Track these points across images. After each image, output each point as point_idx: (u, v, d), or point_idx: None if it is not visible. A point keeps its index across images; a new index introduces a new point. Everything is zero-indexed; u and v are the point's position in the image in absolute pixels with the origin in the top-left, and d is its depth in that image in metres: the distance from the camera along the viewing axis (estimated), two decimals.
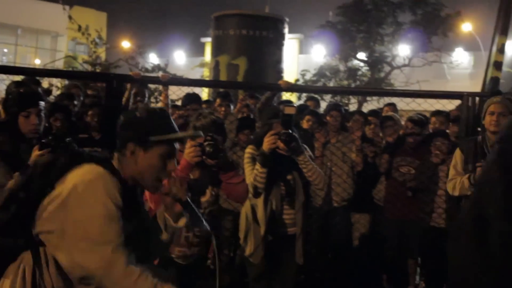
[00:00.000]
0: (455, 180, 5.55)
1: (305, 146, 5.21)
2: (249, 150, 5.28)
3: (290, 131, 4.90)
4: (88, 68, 19.63)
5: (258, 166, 4.99)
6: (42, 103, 4.62)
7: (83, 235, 2.47)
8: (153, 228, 2.92)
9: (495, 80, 7.05)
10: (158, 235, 2.92)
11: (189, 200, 2.82)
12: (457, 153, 5.68)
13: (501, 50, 7.15)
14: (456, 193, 5.53)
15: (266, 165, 4.95)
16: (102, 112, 7.01)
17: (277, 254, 5.23)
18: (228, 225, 6.69)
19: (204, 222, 2.96)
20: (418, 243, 7.20)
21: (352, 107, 21.01)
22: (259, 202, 5.12)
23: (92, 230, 2.47)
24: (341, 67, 25.40)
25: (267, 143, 4.89)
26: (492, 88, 6.95)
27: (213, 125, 4.51)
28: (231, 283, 6.70)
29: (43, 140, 4.37)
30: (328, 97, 16.86)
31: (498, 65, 7.12)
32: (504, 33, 7.17)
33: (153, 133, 2.71)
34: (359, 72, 25.14)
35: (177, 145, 2.82)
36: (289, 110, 4.96)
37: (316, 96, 9.56)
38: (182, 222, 2.91)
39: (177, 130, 2.81)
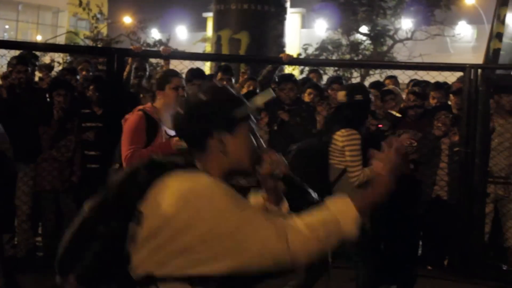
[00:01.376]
0: None
1: None
2: (355, 135, 5.09)
3: None
4: (90, 43, 19.62)
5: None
6: None
7: (226, 235, 1.98)
8: None
9: (497, 52, 7.05)
10: None
11: (291, 174, 2.27)
12: None
13: (502, 21, 7.14)
14: None
15: None
16: (103, 86, 7.03)
17: None
18: None
19: (312, 192, 2.32)
20: (420, 214, 7.23)
21: (355, 81, 20.96)
22: None
23: (233, 224, 1.99)
24: (344, 41, 25.28)
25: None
26: (493, 59, 6.95)
27: None
28: None
29: None
30: (330, 71, 16.81)
31: (500, 36, 7.12)
32: (505, 4, 7.15)
33: (234, 109, 2.16)
34: (362, 46, 25.03)
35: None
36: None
37: (318, 68, 9.52)
38: (285, 206, 2.35)
39: (245, 100, 2.25)
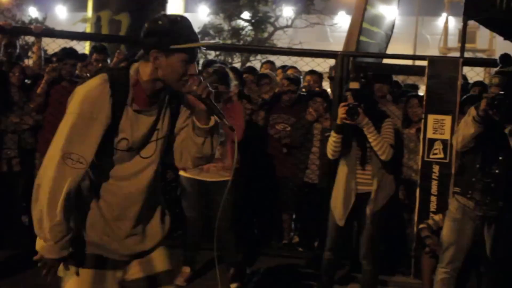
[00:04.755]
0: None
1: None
2: None
3: (357, 104, 5.32)
4: None
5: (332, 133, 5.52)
6: None
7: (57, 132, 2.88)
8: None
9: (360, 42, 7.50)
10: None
11: (209, 97, 2.95)
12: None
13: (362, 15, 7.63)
14: (460, 138, 5.05)
15: (339, 132, 5.46)
16: None
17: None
18: None
19: (225, 119, 3.01)
20: (293, 198, 7.38)
21: (236, 65, 21.06)
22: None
23: (61, 129, 2.87)
24: (225, 26, 25.36)
25: (339, 114, 5.43)
26: (357, 48, 7.31)
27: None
28: None
29: None
30: (212, 56, 16.79)
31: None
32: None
33: (174, 42, 2.90)
34: (243, 32, 25.19)
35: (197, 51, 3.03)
36: (353, 85, 5.49)
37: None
38: (212, 121, 3.04)
39: (197, 39, 2.99)
